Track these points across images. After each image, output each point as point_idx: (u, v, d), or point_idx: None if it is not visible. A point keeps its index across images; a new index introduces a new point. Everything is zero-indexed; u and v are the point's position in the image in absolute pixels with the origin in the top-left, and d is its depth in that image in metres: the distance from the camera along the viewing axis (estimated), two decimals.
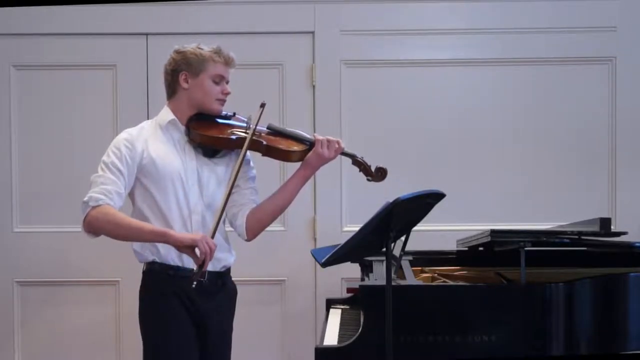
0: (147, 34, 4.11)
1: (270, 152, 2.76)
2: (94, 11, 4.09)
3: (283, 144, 2.77)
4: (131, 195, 2.73)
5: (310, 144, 2.78)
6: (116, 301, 4.10)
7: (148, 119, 2.88)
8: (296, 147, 2.77)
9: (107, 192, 2.60)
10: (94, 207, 2.58)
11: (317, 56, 4.10)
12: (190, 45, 2.76)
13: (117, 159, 2.65)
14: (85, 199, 2.60)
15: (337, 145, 2.76)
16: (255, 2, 4.09)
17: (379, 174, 2.82)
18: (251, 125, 2.73)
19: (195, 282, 2.49)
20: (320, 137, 2.77)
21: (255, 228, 2.79)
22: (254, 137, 2.70)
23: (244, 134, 2.73)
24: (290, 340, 4.09)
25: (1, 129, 4.13)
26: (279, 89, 4.09)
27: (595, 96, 4.08)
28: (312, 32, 4.10)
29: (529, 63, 4.08)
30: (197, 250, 2.52)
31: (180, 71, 2.73)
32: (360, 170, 2.84)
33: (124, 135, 2.72)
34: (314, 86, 4.10)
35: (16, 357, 4.14)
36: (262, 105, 2.74)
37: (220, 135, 2.71)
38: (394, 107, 4.10)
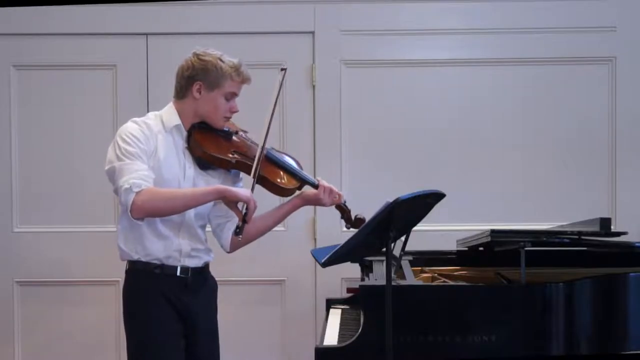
0: (147, 34, 4.12)
1: (263, 183, 2.74)
2: (94, 11, 4.09)
3: (277, 178, 2.75)
4: None
5: (302, 182, 2.79)
6: (116, 301, 4.07)
7: None
8: (288, 184, 2.77)
9: (145, 177, 2.56)
10: (137, 193, 2.53)
11: (317, 56, 4.10)
12: (212, 53, 2.68)
13: (140, 150, 2.60)
14: (127, 185, 2.53)
15: (336, 197, 2.80)
16: (255, 2, 4.09)
17: (357, 223, 2.82)
18: (253, 146, 2.73)
19: (240, 236, 2.59)
20: (325, 185, 2.78)
21: (238, 243, 2.79)
22: (250, 163, 2.68)
23: (243, 159, 2.70)
24: (290, 340, 4.08)
25: (1, 129, 4.13)
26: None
27: (595, 96, 4.08)
28: (312, 32, 4.10)
29: (529, 63, 4.08)
30: (239, 205, 2.58)
31: (196, 80, 2.67)
32: (341, 217, 2.87)
33: (136, 126, 2.66)
34: (314, 86, 4.10)
35: (16, 357, 4.14)
36: (283, 70, 2.74)
37: (221, 156, 2.69)
38: (394, 107, 4.10)
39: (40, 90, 4.14)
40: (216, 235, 2.83)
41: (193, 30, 3.99)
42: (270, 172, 2.75)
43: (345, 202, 2.85)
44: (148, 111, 3.95)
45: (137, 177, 2.55)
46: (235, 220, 2.70)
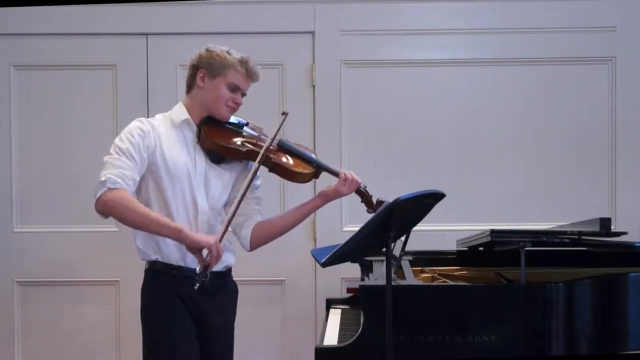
0: (147, 34, 4.12)
1: (276, 169, 2.75)
2: (94, 11, 4.09)
3: (290, 163, 2.76)
4: (139, 183, 2.72)
5: (317, 167, 2.78)
6: (116, 301, 4.10)
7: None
8: (302, 169, 2.77)
9: (125, 176, 2.57)
10: (110, 189, 2.54)
11: (317, 56, 4.10)
12: (221, 47, 2.75)
13: (131, 146, 2.62)
14: (103, 178, 2.55)
15: (354, 183, 2.77)
16: (255, 2, 4.09)
17: (378, 207, 2.75)
18: (265, 138, 2.72)
19: (197, 284, 2.51)
20: (345, 174, 2.76)
21: (258, 241, 2.83)
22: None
23: (254, 147, 2.71)
24: (290, 340, 4.09)
25: (1, 129, 4.13)
26: (279, 89, 4.09)
27: (595, 96, 4.08)
28: (312, 32, 4.10)
29: (529, 63, 4.08)
30: (204, 252, 2.53)
31: (200, 68, 2.73)
32: (362, 201, 2.83)
33: (137, 124, 2.69)
34: (314, 86, 4.10)
35: (16, 357, 4.14)
36: (284, 114, 2.73)
37: (231, 146, 2.70)
38: (394, 107, 4.10)
39: (40, 90, 4.14)
40: (236, 234, 2.83)
41: (193, 30, 4.00)
42: (283, 157, 2.76)
43: (365, 187, 2.81)
44: (148, 111, 4.01)
45: (116, 174, 2.56)
46: (252, 216, 2.77)
